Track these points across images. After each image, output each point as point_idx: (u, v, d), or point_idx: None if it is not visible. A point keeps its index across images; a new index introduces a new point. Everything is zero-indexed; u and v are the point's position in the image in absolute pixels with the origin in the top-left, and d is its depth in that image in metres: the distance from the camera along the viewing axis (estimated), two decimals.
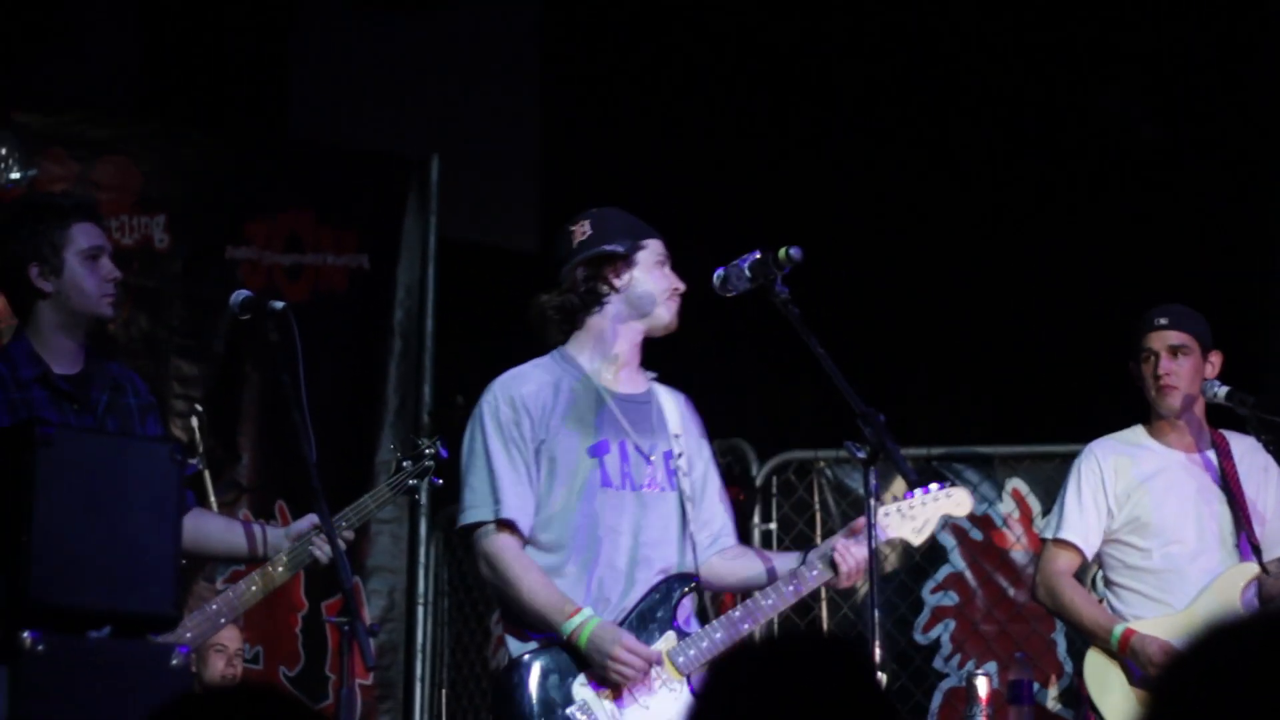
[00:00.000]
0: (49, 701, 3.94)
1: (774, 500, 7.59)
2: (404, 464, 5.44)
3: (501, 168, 9.45)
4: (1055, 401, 8.54)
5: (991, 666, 7.23)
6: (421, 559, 8.04)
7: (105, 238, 4.84)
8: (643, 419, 4.88)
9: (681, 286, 4.91)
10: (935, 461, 7.53)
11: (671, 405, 4.99)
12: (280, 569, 5.07)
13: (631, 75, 9.46)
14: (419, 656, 8.04)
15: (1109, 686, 5.63)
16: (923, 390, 9.29)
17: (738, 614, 4.79)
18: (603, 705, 4.66)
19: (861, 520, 4.82)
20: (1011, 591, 7.43)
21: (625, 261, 4.85)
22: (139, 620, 4.18)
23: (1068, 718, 7.09)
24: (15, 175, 7.32)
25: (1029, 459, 7.51)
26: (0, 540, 3.95)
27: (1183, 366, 5.72)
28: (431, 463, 5.39)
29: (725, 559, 4.98)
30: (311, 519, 5.00)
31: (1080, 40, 8.91)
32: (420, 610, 8.05)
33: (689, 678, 4.75)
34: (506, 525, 4.71)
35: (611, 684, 4.66)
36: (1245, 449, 5.78)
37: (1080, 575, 5.94)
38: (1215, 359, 5.79)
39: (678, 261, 5.00)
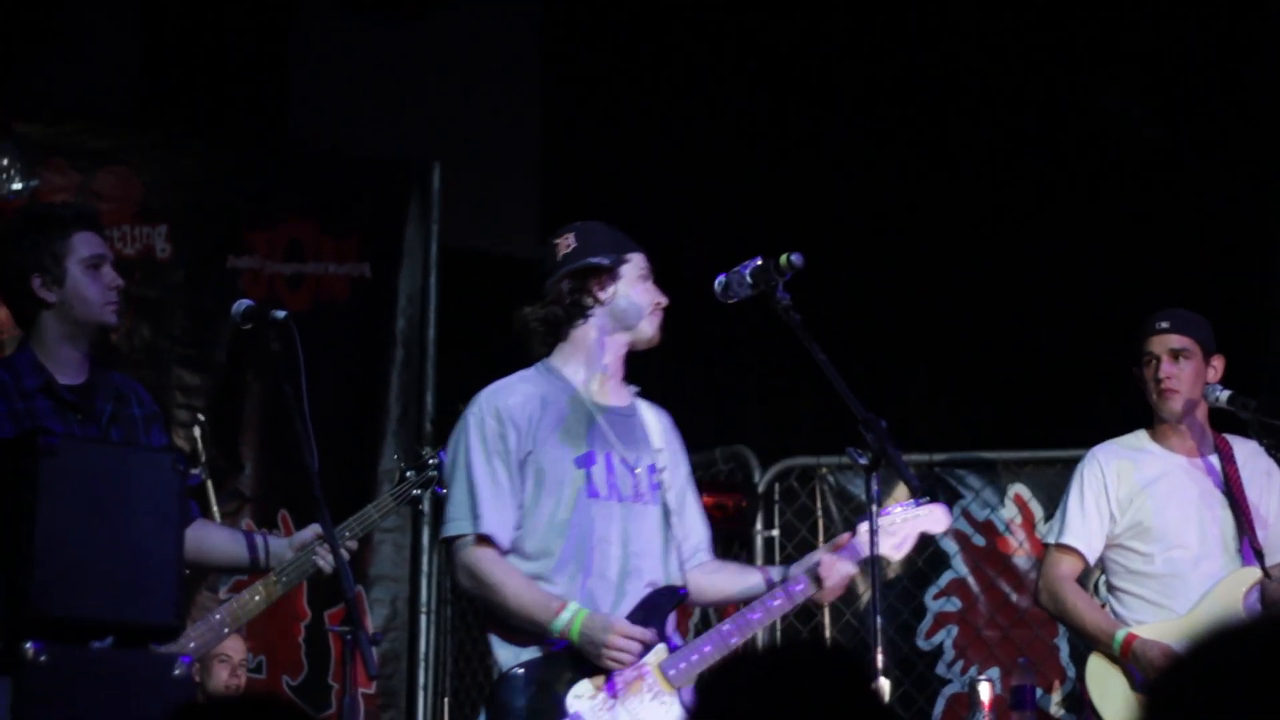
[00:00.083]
0: (52, 712, 3.94)
1: (776, 507, 7.60)
2: (407, 474, 5.45)
3: (502, 173, 9.46)
4: (1057, 406, 8.54)
5: (994, 672, 7.23)
6: (424, 568, 8.05)
7: (106, 246, 4.85)
8: (628, 432, 4.90)
9: (664, 300, 4.93)
10: (938, 467, 7.54)
11: (654, 419, 5.01)
12: (284, 579, 5.08)
13: (632, 79, 9.47)
14: (422, 665, 8.04)
15: (1111, 692, 5.63)
16: (925, 396, 9.29)
17: (726, 628, 4.82)
18: (597, 717, 4.66)
19: (845, 535, 4.95)
20: (1014, 597, 7.43)
21: (610, 274, 4.87)
22: (142, 630, 4.18)
23: None
24: (16, 186, 7.33)
25: (1031, 464, 7.52)
26: (3, 550, 3.96)
27: (1184, 370, 5.71)
28: (435, 472, 5.40)
29: (704, 573, 5.01)
30: (315, 529, 5.00)
31: (1080, 40, 8.91)
32: (423, 619, 8.05)
33: (680, 690, 4.76)
34: (484, 539, 4.72)
35: (606, 685, 4.67)
36: (1248, 453, 5.77)
37: (1083, 580, 5.93)
38: (1218, 363, 5.78)
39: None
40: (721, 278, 4.72)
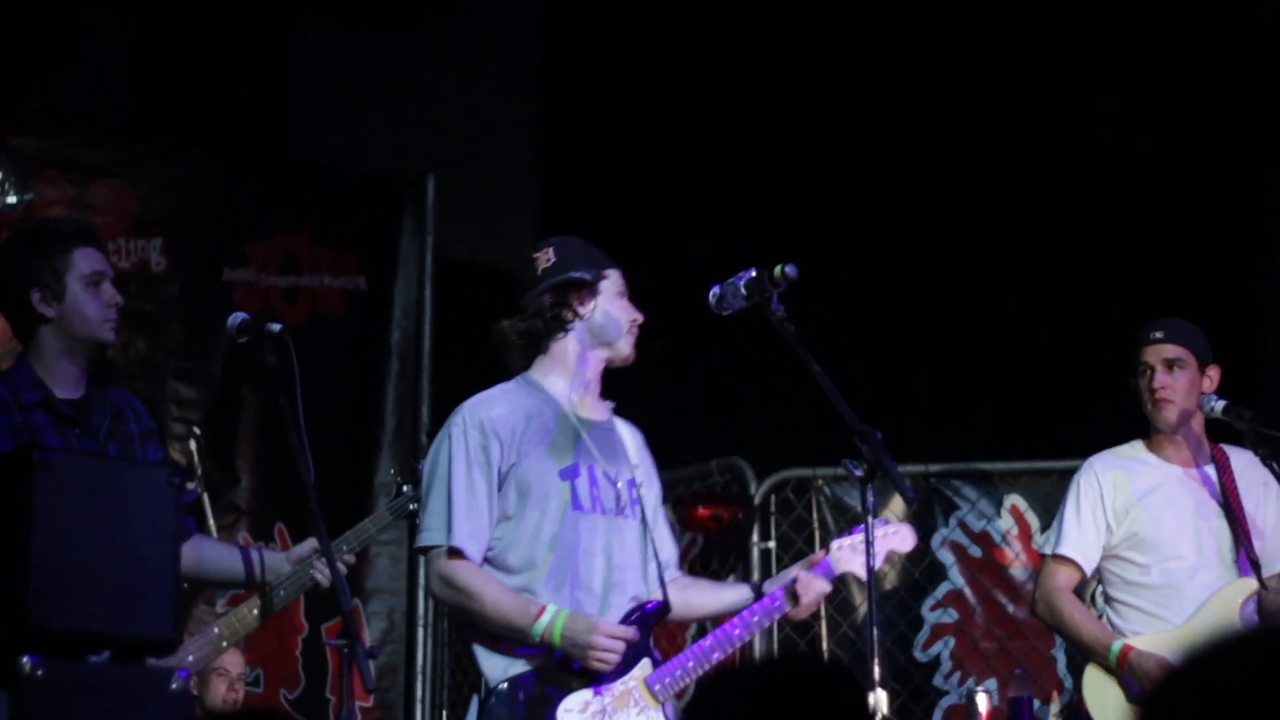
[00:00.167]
0: None
1: (773, 518, 7.60)
2: (404, 488, 5.46)
3: (498, 184, 9.47)
4: (1053, 417, 8.54)
5: (992, 683, 7.23)
6: (421, 581, 8.03)
7: (106, 263, 4.85)
8: (608, 446, 4.91)
9: (640, 318, 4.95)
10: (933, 478, 7.54)
11: (629, 435, 5.03)
12: (281, 593, 5.08)
13: (628, 89, 9.48)
14: (419, 678, 8.04)
15: (1108, 703, 5.63)
16: (921, 407, 9.30)
17: (708, 643, 4.85)
18: None
19: (819, 553, 5.03)
20: (1011, 608, 7.43)
21: (589, 290, 4.89)
22: (138, 644, 4.17)
23: None
24: (11, 199, 7.33)
25: (1027, 475, 7.52)
26: (0, 564, 3.96)
27: (1178, 380, 5.71)
28: None
29: (677, 589, 5.03)
30: (312, 543, 4.99)
31: (1081, 40, 8.91)
32: (420, 632, 8.05)
33: (664, 704, 4.78)
34: (456, 552, 4.72)
35: (594, 696, 4.67)
36: (1245, 463, 5.76)
37: (1080, 591, 5.93)
38: (1213, 373, 5.78)
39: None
40: (716, 289, 4.72)
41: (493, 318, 5.02)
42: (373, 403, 8.10)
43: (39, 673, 3.89)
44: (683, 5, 9.39)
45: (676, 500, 7.79)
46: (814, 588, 4.90)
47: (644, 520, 4.92)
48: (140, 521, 4.15)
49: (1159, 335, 5.75)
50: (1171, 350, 5.73)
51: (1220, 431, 5.83)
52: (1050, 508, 6.61)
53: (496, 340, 4.96)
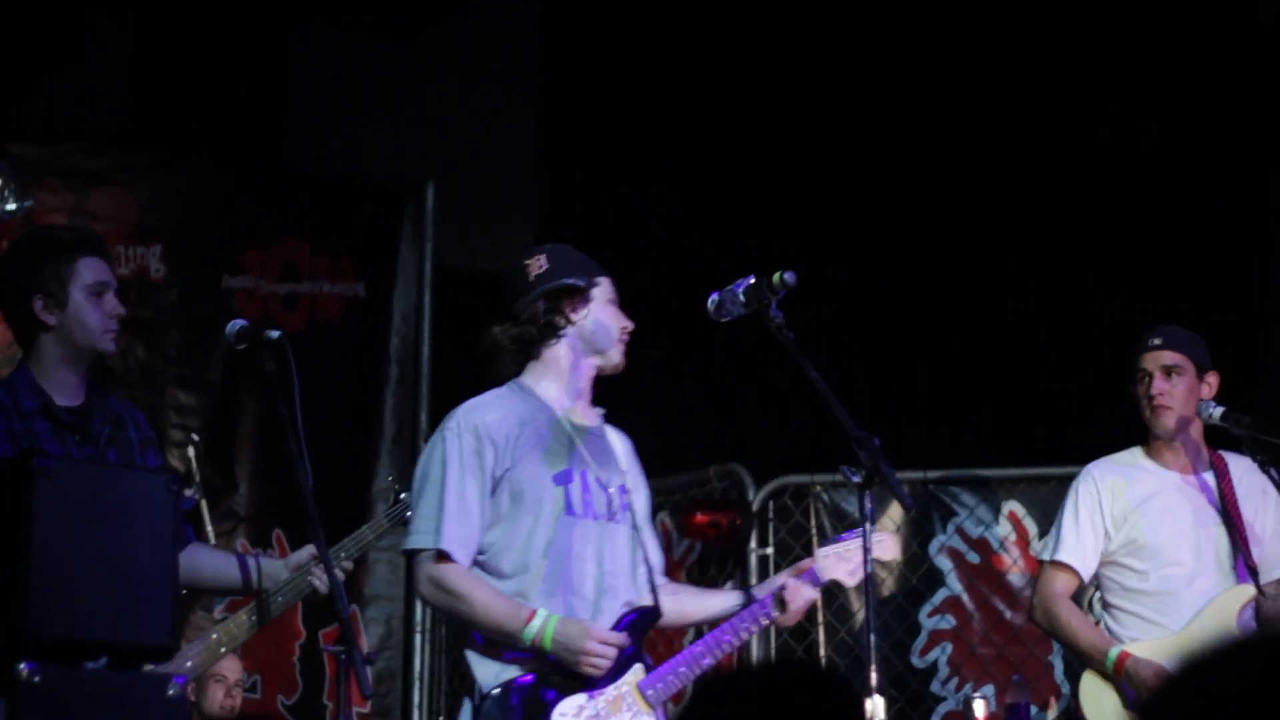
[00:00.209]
0: None
1: (771, 525, 7.61)
2: (402, 495, 5.46)
3: (498, 191, 9.47)
4: (1051, 423, 8.54)
5: (989, 689, 7.23)
6: None
7: (111, 274, 4.85)
8: (600, 451, 4.93)
9: (630, 325, 4.96)
10: (932, 485, 7.55)
11: (618, 441, 5.05)
12: (279, 599, 5.08)
13: (628, 97, 9.49)
14: (416, 684, 8.03)
15: (1105, 709, 5.62)
16: (919, 413, 9.30)
17: (698, 649, 4.87)
18: None
19: (807, 561, 5.05)
20: (1009, 614, 7.43)
21: (582, 297, 4.90)
22: (136, 650, 4.17)
23: None
24: (10, 206, 7.33)
25: (1025, 481, 7.52)
26: None
27: (1176, 387, 5.72)
28: None
29: (666, 594, 5.04)
30: (310, 550, 5.00)
31: (1081, 40, 8.91)
32: (418, 638, 8.05)
33: (656, 709, 4.79)
34: (444, 555, 4.72)
35: (588, 701, 4.68)
36: (1244, 470, 5.76)
37: (1078, 597, 5.93)
38: (1212, 380, 5.78)
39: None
40: (714, 296, 4.73)
41: (492, 325, 5.03)
42: (371, 410, 8.11)
43: (36, 679, 3.89)
44: (682, 7, 9.40)
45: (675, 506, 7.79)
46: (801, 595, 4.93)
47: (634, 525, 4.93)
48: (138, 528, 4.15)
49: (1157, 342, 5.76)
50: (1169, 357, 5.73)
51: (1219, 438, 5.83)
52: (1048, 514, 6.61)
53: (488, 345, 4.98)
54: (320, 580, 4.99)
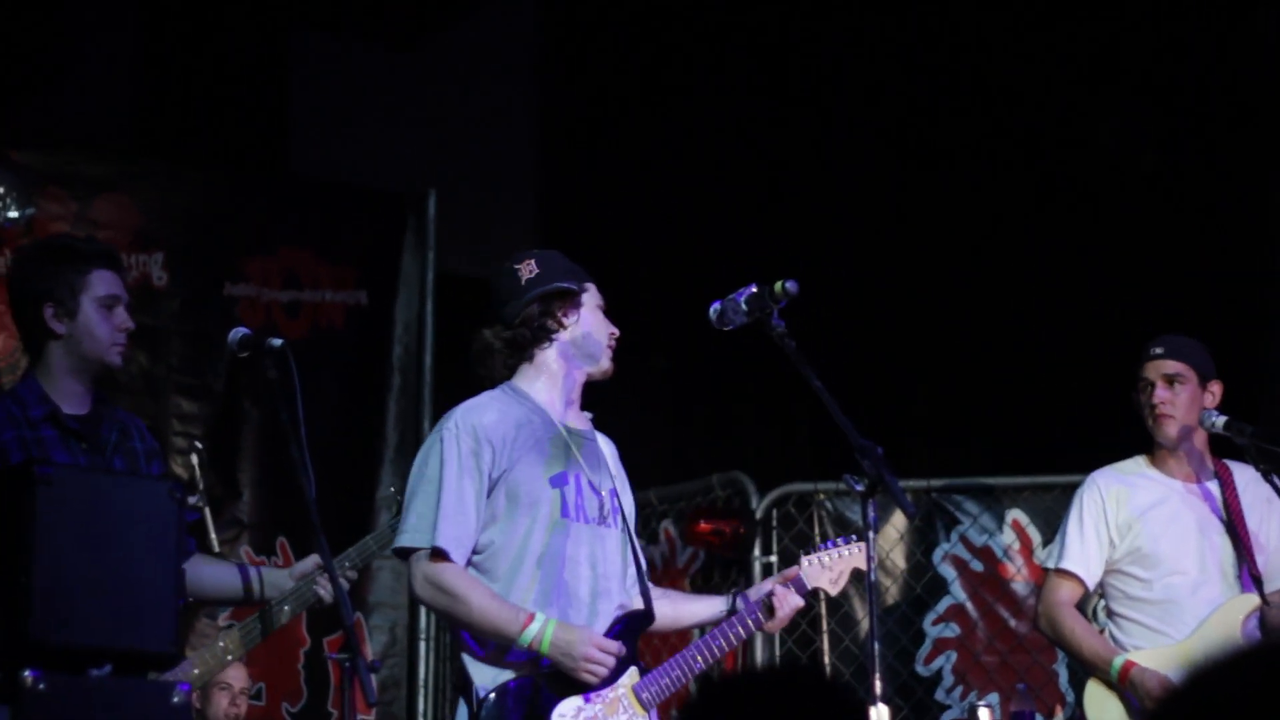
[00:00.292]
0: None
1: (774, 533, 7.60)
2: None
3: (498, 199, 9.48)
4: (1055, 432, 8.54)
5: (994, 698, 7.23)
6: None
7: (124, 288, 4.85)
8: (592, 455, 4.95)
9: (617, 332, 4.99)
10: (935, 493, 7.54)
11: (607, 447, 5.06)
12: (285, 608, 5.08)
13: (628, 104, 9.49)
14: (421, 692, 8.04)
15: (1109, 718, 5.62)
16: (922, 422, 9.30)
17: (691, 653, 4.90)
18: None
19: (794, 569, 5.10)
20: (1013, 622, 7.43)
21: (574, 301, 4.92)
22: (139, 658, 4.18)
23: None
24: (13, 214, 7.33)
25: (1029, 490, 7.52)
26: (1, 579, 3.96)
27: (1179, 396, 5.72)
28: None
29: (654, 599, 5.04)
30: (315, 559, 5.00)
31: (1081, 43, 8.91)
32: (422, 645, 8.05)
33: (650, 712, 4.81)
34: (440, 554, 4.73)
35: (585, 704, 4.69)
36: (1248, 479, 5.76)
37: (1082, 606, 5.93)
38: (1215, 389, 5.78)
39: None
40: (716, 305, 4.73)
41: (482, 328, 5.04)
42: (374, 418, 8.11)
43: (40, 686, 3.90)
44: (682, 14, 9.40)
45: (679, 514, 7.80)
46: (788, 602, 4.98)
47: (625, 529, 4.94)
48: (141, 535, 4.16)
49: (1159, 351, 5.76)
50: (1172, 366, 5.73)
51: (1224, 447, 5.83)
52: (1052, 522, 6.61)
53: (480, 348, 4.99)
54: (325, 589, 5.00)
